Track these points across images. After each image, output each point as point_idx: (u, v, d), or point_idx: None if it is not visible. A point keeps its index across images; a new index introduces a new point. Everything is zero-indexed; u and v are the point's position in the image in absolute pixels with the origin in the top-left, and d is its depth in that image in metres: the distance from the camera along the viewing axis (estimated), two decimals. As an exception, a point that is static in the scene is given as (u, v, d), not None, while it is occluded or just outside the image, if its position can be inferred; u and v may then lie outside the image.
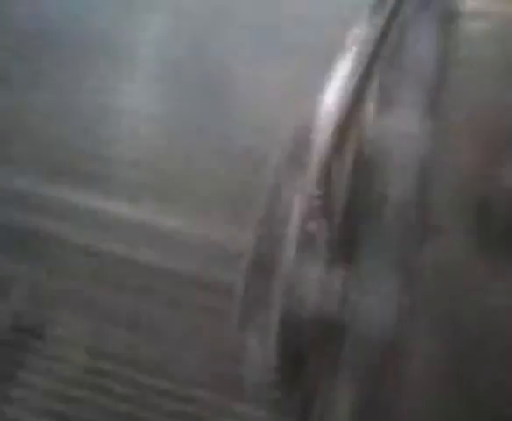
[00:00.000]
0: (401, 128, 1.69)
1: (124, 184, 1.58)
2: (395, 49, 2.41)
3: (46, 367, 1.37)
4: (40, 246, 1.50)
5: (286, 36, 2.02)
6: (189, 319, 1.43)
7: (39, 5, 2.13)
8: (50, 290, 1.48)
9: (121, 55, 1.96)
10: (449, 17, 6.35)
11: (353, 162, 1.59)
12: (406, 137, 1.68)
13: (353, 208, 1.58)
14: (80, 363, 1.39)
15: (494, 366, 1.61)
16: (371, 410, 1.45)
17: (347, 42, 1.91)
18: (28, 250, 1.49)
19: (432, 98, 2.19)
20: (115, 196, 1.55)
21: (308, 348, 1.38)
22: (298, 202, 1.42)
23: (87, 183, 1.56)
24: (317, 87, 1.70)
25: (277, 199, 1.42)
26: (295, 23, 2.09)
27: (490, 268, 2.08)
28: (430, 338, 1.60)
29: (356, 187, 1.59)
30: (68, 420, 1.34)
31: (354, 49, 1.88)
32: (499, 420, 1.54)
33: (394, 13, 2.38)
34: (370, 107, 1.71)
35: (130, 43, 1.99)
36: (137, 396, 1.38)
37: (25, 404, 1.34)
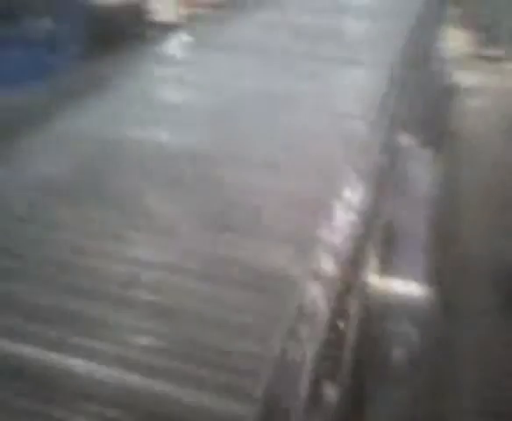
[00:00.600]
0: (403, 289, 1.76)
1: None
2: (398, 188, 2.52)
3: None
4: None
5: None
6: None
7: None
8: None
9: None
10: (448, 94, 6.47)
11: (358, 323, 1.66)
12: (409, 296, 1.74)
13: (359, 369, 1.64)
14: None
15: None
16: None
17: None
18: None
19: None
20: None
21: None
22: (306, 364, 1.46)
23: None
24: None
25: (284, 361, 1.45)
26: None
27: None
28: None
29: (362, 347, 1.65)
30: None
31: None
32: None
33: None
34: (372, 265, 1.80)
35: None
36: None
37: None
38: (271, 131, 2.71)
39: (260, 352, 1.48)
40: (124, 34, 5.22)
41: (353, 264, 1.76)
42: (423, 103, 4.86)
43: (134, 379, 1.43)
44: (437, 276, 2.86)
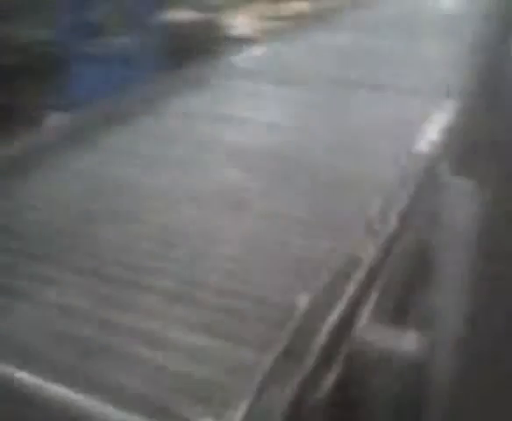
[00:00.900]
0: (398, 340, 1.77)
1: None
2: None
3: None
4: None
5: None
6: None
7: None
8: None
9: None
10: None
11: (343, 372, 1.71)
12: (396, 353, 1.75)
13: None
14: None
15: None
16: None
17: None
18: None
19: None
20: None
21: None
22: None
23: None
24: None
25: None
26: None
27: None
28: None
29: (344, 398, 1.70)
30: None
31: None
32: None
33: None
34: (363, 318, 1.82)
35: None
36: None
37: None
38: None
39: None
40: (197, 49, 5.41)
41: (349, 311, 1.79)
42: (494, 124, 4.73)
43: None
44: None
